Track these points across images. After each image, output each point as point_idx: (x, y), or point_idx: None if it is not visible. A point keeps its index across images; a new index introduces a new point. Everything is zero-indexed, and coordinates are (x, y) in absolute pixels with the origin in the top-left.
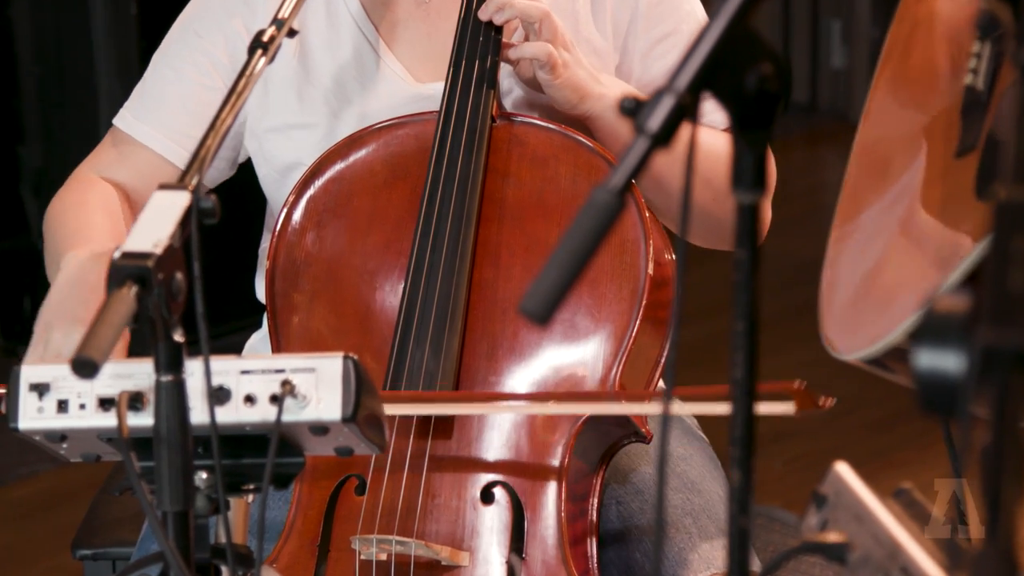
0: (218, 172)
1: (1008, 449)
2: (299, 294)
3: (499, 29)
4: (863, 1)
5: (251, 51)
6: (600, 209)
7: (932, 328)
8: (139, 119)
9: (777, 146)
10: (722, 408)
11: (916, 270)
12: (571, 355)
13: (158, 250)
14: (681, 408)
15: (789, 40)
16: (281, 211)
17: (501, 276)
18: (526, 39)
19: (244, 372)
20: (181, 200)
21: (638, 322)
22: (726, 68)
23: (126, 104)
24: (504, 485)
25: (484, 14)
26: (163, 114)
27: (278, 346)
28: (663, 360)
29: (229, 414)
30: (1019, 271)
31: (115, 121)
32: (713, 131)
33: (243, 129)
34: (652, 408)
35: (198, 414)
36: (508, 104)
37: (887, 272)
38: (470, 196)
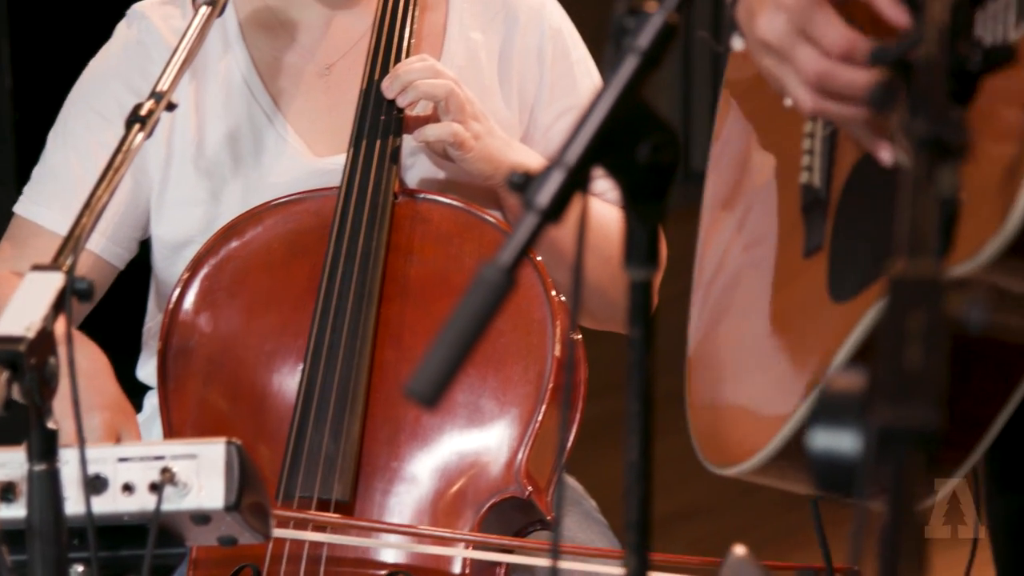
0: (127, 251)
1: (905, 531)
2: (192, 377)
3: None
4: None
5: (128, 125)
6: (488, 287)
7: (828, 408)
8: (42, 204)
9: (679, 216)
10: None
11: (779, 381)
12: (476, 439)
13: (30, 334)
14: None
15: (690, 108)
16: (174, 290)
17: (404, 357)
18: (434, 110)
19: (122, 459)
20: (55, 281)
21: (545, 405)
22: (617, 141)
23: (26, 190)
24: (406, 574)
25: (387, 92)
26: (71, 197)
27: (169, 431)
28: (570, 443)
29: (106, 504)
30: (914, 348)
31: (16, 209)
32: (613, 207)
33: (149, 204)
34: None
35: (73, 504)
36: (413, 177)
37: (749, 382)
38: (371, 274)
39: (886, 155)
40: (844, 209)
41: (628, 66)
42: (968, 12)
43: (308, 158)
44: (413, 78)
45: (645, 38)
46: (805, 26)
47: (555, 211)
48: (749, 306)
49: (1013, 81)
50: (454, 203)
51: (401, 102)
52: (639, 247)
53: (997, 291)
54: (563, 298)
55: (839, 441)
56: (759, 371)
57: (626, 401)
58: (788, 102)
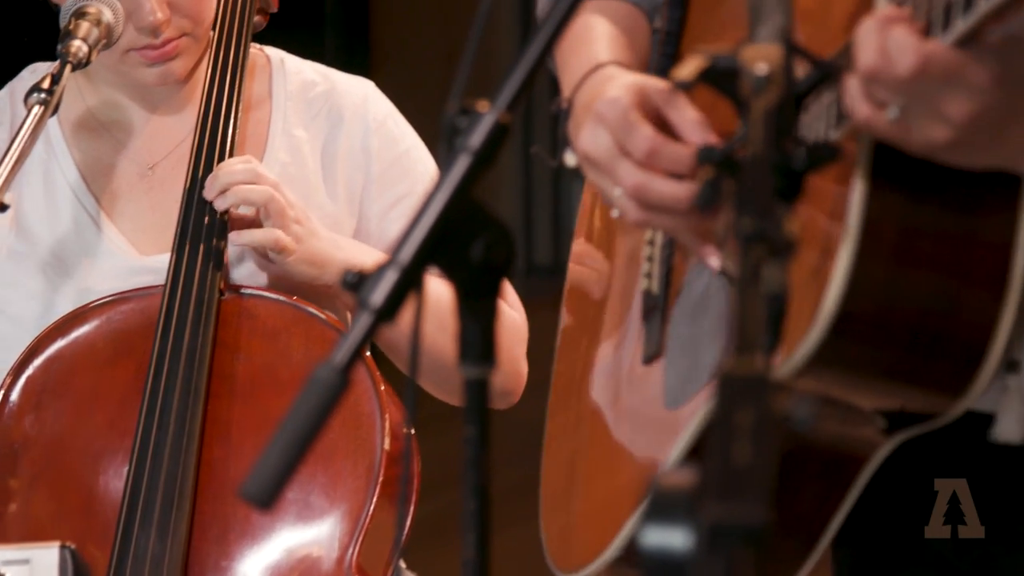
0: None
1: None
2: (16, 480)
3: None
4: None
5: None
6: (322, 387)
7: (658, 506)
8: None
9: (535, 307)
10: None
11: (619, 486)
12: (306, 536)
13: None
14: None
15: (531, 201)
16: None
17: (232, 455)
18: (257, 212)
19: None
20: None
21: (375, 499)
22: (450, 240)
23: None
24: None
25: (208, 194)
26: None
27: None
28: (403, 537)
29: None
30: (743, 445)
31: None
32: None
33: None
34: None
35: None
36: (241, 274)
37: (594, 487)
38: (198, 372)
39: (713, 261)
40: (679, 315)
41: (460, 166)
42: (793, 111)
43: (133, 257)
44: (232, 182)
45: (477, 138)
46: (620, 137)
47: (389, 311)
48: (595, 412)
49: (819, 190)
50: (280, 298)
51: (219, 207)
52: (473, 345)
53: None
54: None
55: (669, 538)
56: (602, 476)
57: (463, 499)
58: (615, 213)
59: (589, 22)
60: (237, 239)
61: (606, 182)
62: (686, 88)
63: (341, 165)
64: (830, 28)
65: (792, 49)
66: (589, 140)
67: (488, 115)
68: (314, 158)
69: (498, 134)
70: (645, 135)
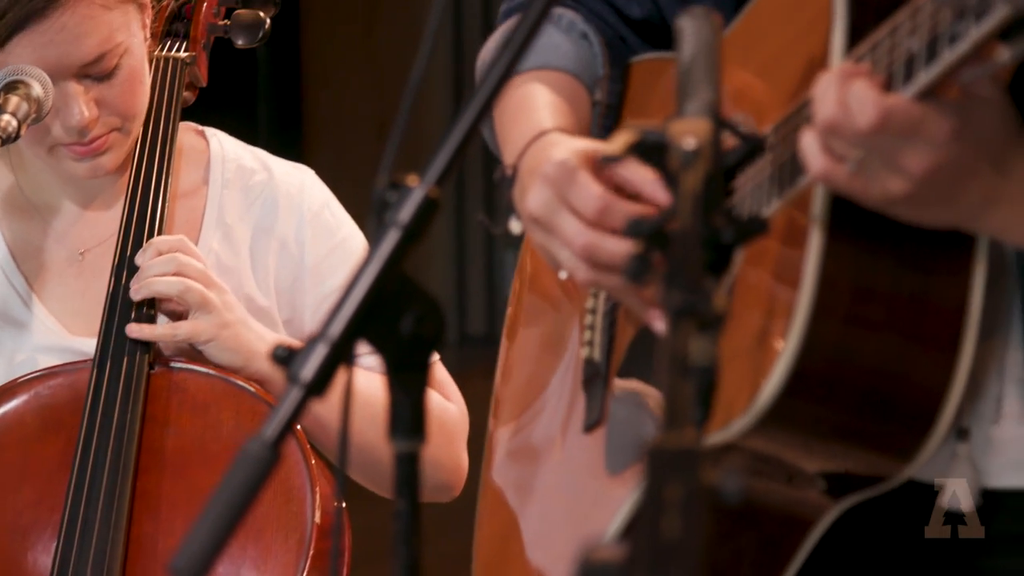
0: None
1: None
2: None
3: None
4: None
5: None
6: (253, 462)
7: None
8: None
9: (456, 380)
10: None
11: (558, 557)
12: None
13: None
14: None
15: (465, 272)
16: None
17: (162, 530)
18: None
19: None
20: None
21: (306, 573)
22: (380, 314)
23: None
24: None
25: (132, 291)
26: None
27: None
28: None
29: None
30: (672, 518)
31: None
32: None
33: None
34: None
35: None
36: (172, 348)
37: (533, 559)
38: (127, 446)
39: (659, 324)
40: (621, 381)
41: (390, 240)
42: (721, 185)
43: (63, 337)
44: (146, 274)
45: (406, 212)
46: (569, 197)
47: (319, 386)
48: (536, 483)
49: (770, 256)
50: (210, 372)
51: (135, 298)
52: (403, 419)
53: (761, 456)
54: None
55: None
56: (538, 548)
57: (393, 573)
58: (563, 275)
59: (531, 91)
60: (159, 333)
61: (554, 243)
62: (614, 162)
63: (274, 256)
64: (784, 86)
65: (720, 123)
66: (536, 201)
67: (417, 189)
68: (245, 249)
69: (427, 209)
70: (594, 194)
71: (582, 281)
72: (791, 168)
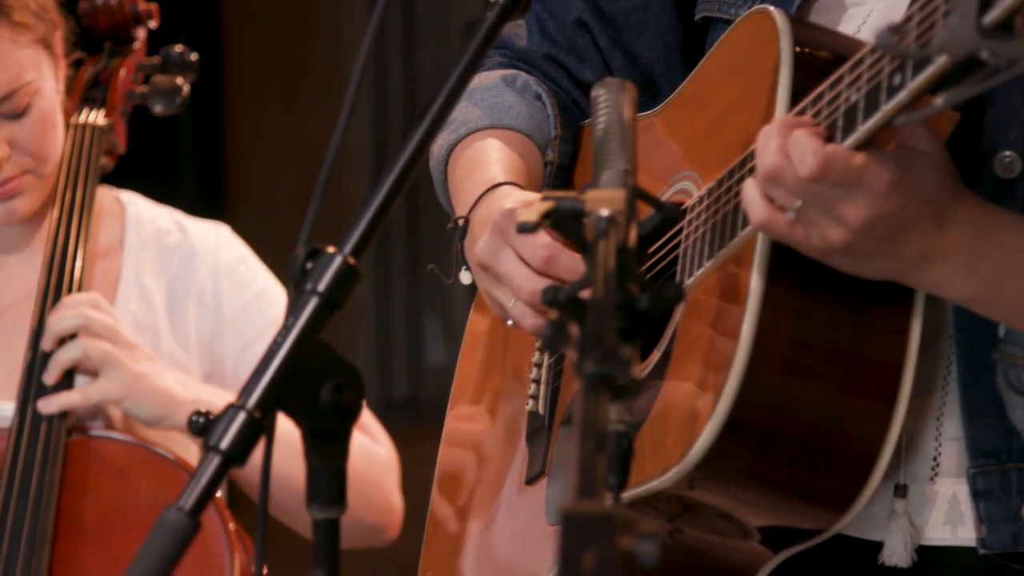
0: None
1: None
2: None
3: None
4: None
5: None
6: (172, 531)
7: None
8: None
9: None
10: None
11: None
12: None
13: None
14: None
15: (388, 338)
16: None
17: None
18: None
19: None
20: None
21: None
22: (299, 383)
23: None
24: None
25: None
26: None
27: None
28: None
29: None
30: None
31: None
32: None
33: None
34: None
35: None
36: (91, 413)
37: None
38: (44, 514)
39: None
40: (564, 435)
41: (308, 309)
42: (635, 253)
43: None
44: (55, 329)
45: (325, 281)
46: (517, 246)
47: (238, 455)
48: (478, 536)
49: (711, 306)
50: (128, 439)
51: (47, 382)
52: (322, 487)
53: (699, 505)
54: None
55: None
56: None
57: None
58: (510, 322)
59: (485, 147)
60: (72, 399)
61: (501, 291)
62: (530, 231)
63: (192, 311)
64: (730, 144)
65: (635, 192)
66: (485, 249)
67: (336, 257)
68: (164, 306)
69: (346, 276)
70: (542, 243)
71: (529, 328)
72: (732, 221)
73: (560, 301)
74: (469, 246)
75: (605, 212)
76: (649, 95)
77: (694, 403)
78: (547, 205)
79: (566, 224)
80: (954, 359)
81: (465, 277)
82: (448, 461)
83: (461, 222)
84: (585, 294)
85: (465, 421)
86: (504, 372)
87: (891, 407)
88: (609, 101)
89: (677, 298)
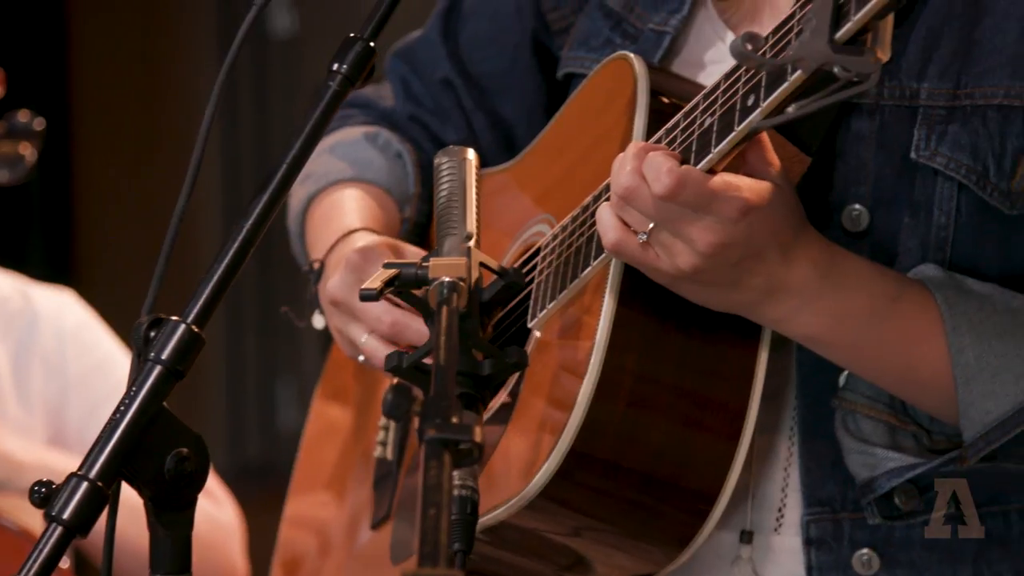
0: None
1: None
2: None
3: None
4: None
5: None
6: None
7: None
8: None
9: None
10: None
11: None
12: None
13: None
14: None
15: (240, 401)
16: None
17: None
18: None
19: None
20: None
21: None
22: (142, 452)
23: None
24: None
25: None
26: None
27: None
28: None
29: None
30: None
31: None
32: None
33: None
34: None
35: None
36: None
37: None
38: None
39: None
40: (410, 480)
41: (151, 378)
42: (478, 319)
43: None
44: None
45: (168, 350)
46: (364, 279)
47: (81, 526)
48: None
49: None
50: None
51: None
52: (166, 556)
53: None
54: None
55: None
56: None
57: None
58: (361, 358)
59: (343, 197)
60: None
61: (354, 327)
62: (373, 299)
63: (37, 376)
64: (587, 187)
65: (478, 261)
66: (339, 285)
67: (180, 326)
68: (8, 371)
69: (190, 345)
70: (386, 309)
71: (380, 363)
72: (585, 253)
73: (404, 368)
74: (322, 289)
75: (447, 279)
76: (509, 155)
77: (540, 434)
78: (390, 273)
79: (409, 292)
80: (797, 415)
81: (318, 321)
82: (295, 523)
83: (317, 265)
84: (428, 360)
85: (307, 481)
86: (354, 423)
87: (735, 445)
88: (452, 169)
89: (520, 364)
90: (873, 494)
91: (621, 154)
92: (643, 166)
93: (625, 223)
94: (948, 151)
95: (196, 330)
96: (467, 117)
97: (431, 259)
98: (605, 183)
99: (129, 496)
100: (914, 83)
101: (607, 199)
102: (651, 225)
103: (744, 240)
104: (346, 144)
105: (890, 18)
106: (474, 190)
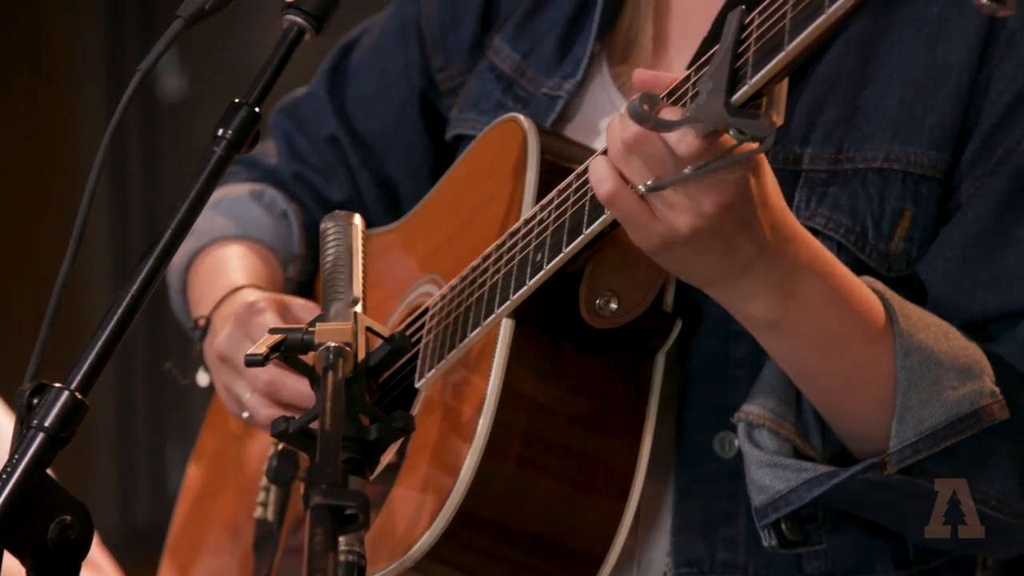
0: None
1: None
2: None
3: None
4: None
5: None
6: None
7: None
8: None
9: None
10: None
11: None
12: None
13: None
14: None
15: (130, 464)
16: None
17: None
18: None
19: None
20: None
21: None
22: (24, 520)
23: None
24: None
25: None
26: None
27: None
28: None
29: None
30: None
31: None
32: None
33: None
34: None
35: None
36: None
37: None
38: None
39: None
40: (292, 541)
41: (33, 445)
42: (364, 384)
43: None
44: None
45: (51, 417)
46: (254, 335)
47: None
48: None
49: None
50: None
51: None
52: None
53: None
54: None
55: None
56: None
57: None
58: (245, 415)
59: (228, 254)
60: None
61: (239, 384)
62: (259, 364)
63: None
64: (470, 248)
65: (365, 326)
66: (225, 340)
67: (63, 393)
68: None
69: (73, 412)
70: (266, 370)
71: (263, 420)
72: (476, 312)
73: (290, 433)
74: (209, 346)
75: (333, 345)
76: (394, 214)
77: (426, 495)
78: (276, 338)
79: (295, 357)
80: (675, 468)
81: (202, 379)
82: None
83: (203, 322)
84: (315, 425)
85: (190, 537)
86: (234, 481)
87: (622, 506)
88: (338, 233)
89: (407, 428)
90: (790, 507)
91: (616, 116)
92: (659, 116)
93: (623, 176)
94: (828, 212)
95: (80, 396)
96: (352, 175)
97: (317, 324)
98: (491, 247)
99: (12, 566)
100: (798, 147)
101: (496, 258)
102: (651, 181)
103: (743, 206)
104: (231, 201)
105: (785, 83)
106: (360, 255)
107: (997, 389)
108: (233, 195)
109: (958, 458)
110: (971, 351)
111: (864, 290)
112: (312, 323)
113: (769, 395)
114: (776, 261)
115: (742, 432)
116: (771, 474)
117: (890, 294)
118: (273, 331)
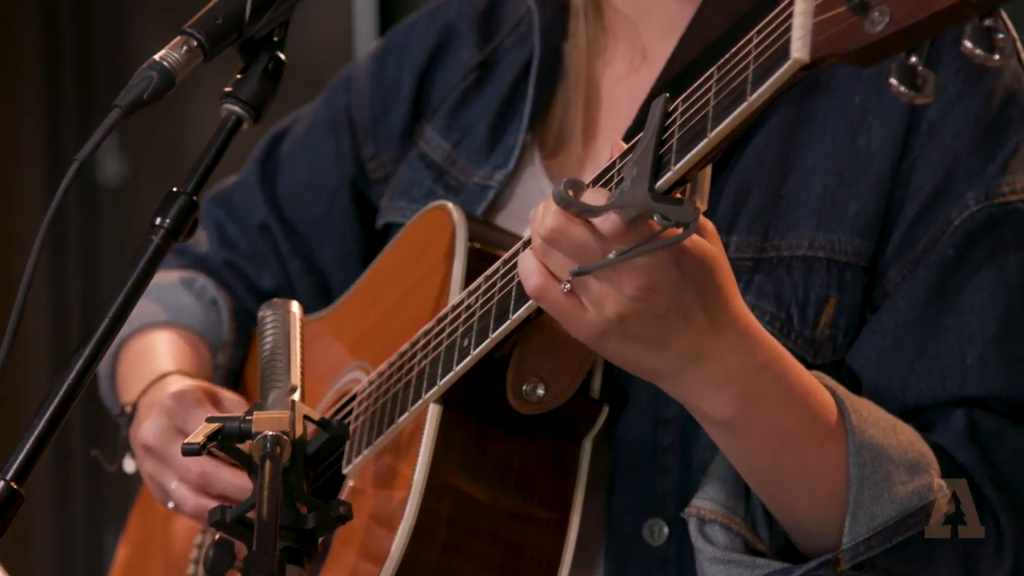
0: None
1: None
2: None
3: None
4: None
5: None
6: None
7: None
8: None
9: None
10: None
11: None
12: None
13: None
14: None
15: (68, 552)
16: None
17: None
18: None
19: None
20: None
21: None
22: None
23: None
24: None
25: None
26: None
27: None
28: None
29: None
30: None
31: None
32: None
33: None
34: None
35: None
36: None
37: None
38: None
39: None
40: None
41: None
42: (302, 473)
43: None
44: None
45: None
46: (184, 426)
47: None
48: None
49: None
50: None
51: None
52: None
53: None
54: None
55: None
56: None
57: None
58: (171, 504)
59: (156, 340)
60: None
61: (165, 473)
62: (195, 453)
63: None
64: (398, 334)
65: (303, 414)
66: (152, 430)
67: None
68: None
69: (9, 502)
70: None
71: (190, 510)
72: (402, 400)
73: (227, 522)
74: (134, 433)
75: (271, 433)
76: (325, 301)
77: None
78: (213, 427)
79: (232, 445)
80: (604, 554)
81: (128, 465)
82: None
83: (128, 408)
84: (252, 514)
85: None
86: (162, 570)
87: None
88: (276, 322)
89: (345, 517)
90: None
91: (543, 203)
92: (578, 206)
93: (548, 270)
94: (753, 299)
95: (15, 487)
96: (283, 262)
97: (255, 413)
98: (424, 329)
99: None
100: (724, 235)
101: (422, 345)
102: (575, 269)
103: (672, 289)
104: (161, 288)
105: (708, 169)
106: (298, 343)
107: (943, 483)
108: (163, 282)
109: (907, 551)
110: (917, 445)
111: (817, 388)
112: (250, 411)
113: (720, 489)
114: (726, 355)
115: (694, 527)
116: (724, 570)
117: (841, 389)
118: (210, 419)
